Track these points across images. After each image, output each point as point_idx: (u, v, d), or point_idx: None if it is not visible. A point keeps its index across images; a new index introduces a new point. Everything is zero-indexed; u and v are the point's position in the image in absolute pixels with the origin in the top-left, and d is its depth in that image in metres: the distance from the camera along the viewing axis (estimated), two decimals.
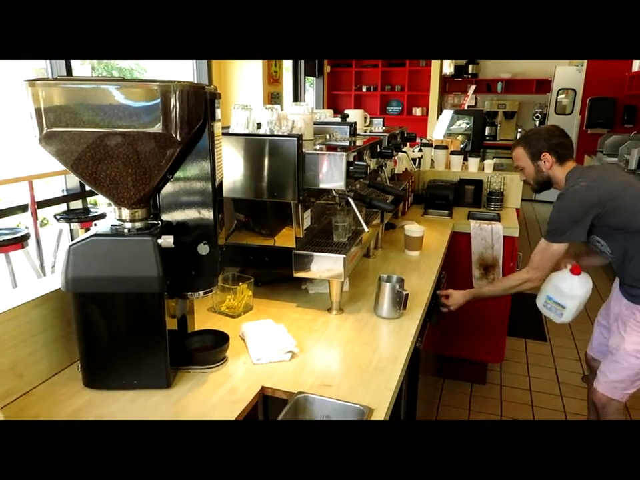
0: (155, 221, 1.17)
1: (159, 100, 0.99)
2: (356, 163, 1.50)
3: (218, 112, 1.16)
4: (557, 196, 1.83)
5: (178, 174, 1.16)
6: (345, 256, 1.56)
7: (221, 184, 1.24)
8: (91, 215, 3.44)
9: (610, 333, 2.00)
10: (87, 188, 3.74)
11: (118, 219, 1.14)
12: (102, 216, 3.44)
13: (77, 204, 3.66)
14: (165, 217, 1.19)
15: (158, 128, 1.00)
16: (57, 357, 1.25)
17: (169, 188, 1.17)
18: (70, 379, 1.23)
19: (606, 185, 1.78)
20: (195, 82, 1.08)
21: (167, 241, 1.09)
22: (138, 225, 1.14)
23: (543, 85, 7.67)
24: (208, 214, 1.18)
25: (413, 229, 2.21)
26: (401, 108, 8.04)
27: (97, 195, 4.24)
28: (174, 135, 1.02)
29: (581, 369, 3.10)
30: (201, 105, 1.08)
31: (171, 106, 1.00)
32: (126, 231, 1.13)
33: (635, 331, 1.84)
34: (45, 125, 0.98)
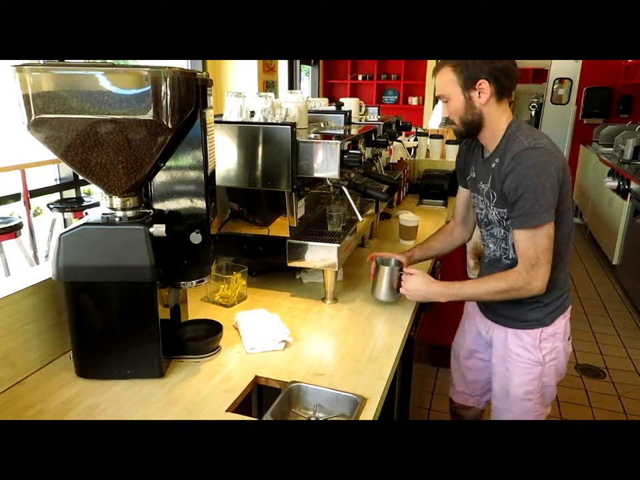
0: (146, 210, 1.16)
1: (149, 86, 0.98)
2: (350, 151, 1.49)
3: (210, 99, 1.14)
4: (514, 157, 1.29)
5: (170, 162, 1.14)
6: (339, 245, 1.56)
7: (213, 172, 1.22)
8: (85, 204, 3.41)
9: (491, 370, 1.61)
10: (81, 177, 3.72)
11: (109, 208, 1.13)
12: (96, 205, 3.41)
13: (70, 193, 3.63)
14: (157, 205, 1.18)
15: (149, 115, 0.99)
16: (49, 346, 1.24)
17: (160, 176, 1.16)
18: (62, 368, 1.22)
19: (560, 154, 1.35)
20: (187, 69, 1.05)
21: (158, 229, 1.08)
22: (129, 213, 1.13)
23: (539, 75, 7.65)
24: (200, 203, 1.17)
25: (407, 218, 2.20)
26: (396, 97, 7.98)
27: (89, 184, 4.22)
28: (165, 122, 1.01)
29: (574, 358, 3.12)
30: (192, 92, 1.06)
31: (162, 93, 0.99)
32: (117, 219, 1.12)
33: (520, 366, 1.49)
34: (33, 112, 0.96)
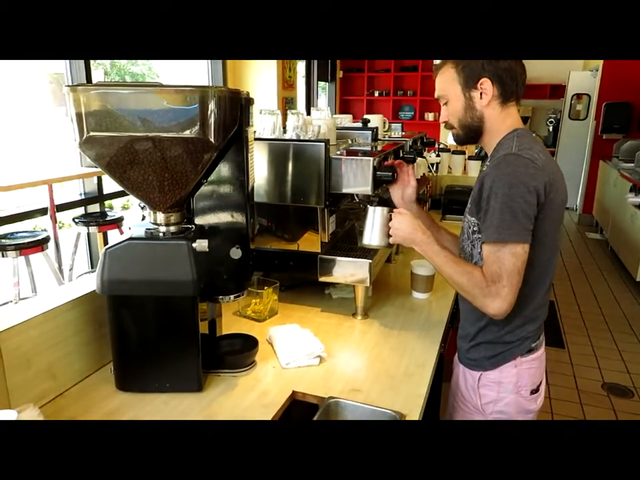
0: (188, 225, 1.18)
1: (197, 105, 1.01)
2: (383, 167, 1.51)
3: (251, 117, 1.17)
4: (494, 161, 1.18)
5: (211, 178, 1.17)
6: (371, 261, 1.57)
7: (252, 188, 1.25)
8: (108, 218, 3.48)
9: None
10: (105, 191, 3.79)
11: (152, 223, 1.15)
12: (119, 219, 3.48)
13: (94, 207, 3.70)
14: (198, 220, 1.21)
15: (196, 133, 1.02)
16: (89, 359, 1.26)
17: (202, 192, 1.19)
18: (102, 381, 1.24)
19: (554, 172, 1.20)
20: (232, 88, 1.08)
21: (201, 244, 1.10)
22: (172, 228, 1.15)
23: (557, 90, 7.65)
24: (241, 218, 1.19)
25: (421, 264, 1.78)
26: (413, 113, 8.05)
27: (112, 198, 4.29)
28: (211, 140, 1.03)
29: (600, 377, 3.07)
30: (237, 110, 1.09)
31: (209, 111, 1.02)
32: (161, 234, 1.14)
33: (461, 408, 1.38)
34: (85, 130, 1.00)
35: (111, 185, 3.99)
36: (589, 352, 3.38)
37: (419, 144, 2.43)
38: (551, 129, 7.82)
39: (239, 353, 1.31)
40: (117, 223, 3.48)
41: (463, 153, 3.29)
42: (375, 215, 1.40)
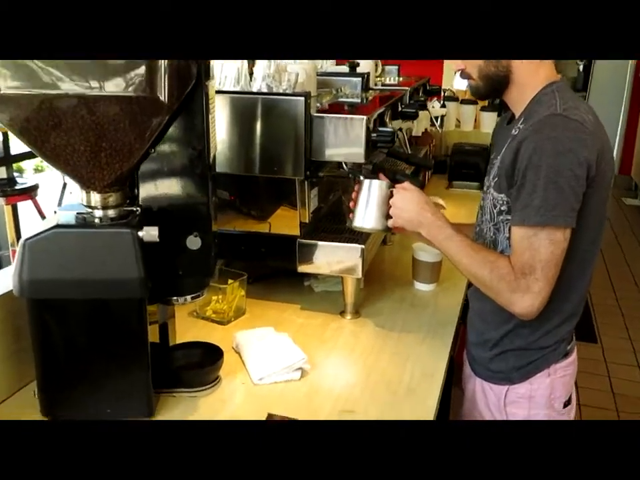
0: (132, 208, 1.16)
1: None
2: (380, 129, 1.51)
3: (213, 67, 1.15)
4: (535, 123, 1.16)
5: (162, 147, 1.15)
6: (363, 246, 1.57)
7: (214, 158, 1.23)
8: (19, 186, 3.40)
9: None
10: (12, 152, 3.70)
11: (85, 206, 1.13)
12: (33, 188, 3.41)
13: None
14: (144, 201, 1.19)
15: (141, 90, 0.99)
16: (6, 379, 1.25)
17: (149, 165, 1.16)
18: (23, 406, 1.23)
19: (604, 137, 1.22)
20: None
21: (150, 233, 1.09)
22: (111, 212, 1.13)
23: None
24: (200, 197, 1.18)
25: (423, 250, 1.80)
26: None
27: (23, 160, 4.19)
28: (161, 99, 1.02)
29: None
30: (194, 60, 1.07)
31: (159, 62, 0.99)
32: (97, 220, 1.12)
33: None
34: None
35: (20, 143, 3.90)
36: (627, 346, 3.50)
37: (421, 93, 2.43)
38: (580, 68, 7.88)
39: (199, 366, 1.32)
40: (30, 192, 3.42)
41: (475, 102, 3.30)
42: (371, 190, 1.40)
